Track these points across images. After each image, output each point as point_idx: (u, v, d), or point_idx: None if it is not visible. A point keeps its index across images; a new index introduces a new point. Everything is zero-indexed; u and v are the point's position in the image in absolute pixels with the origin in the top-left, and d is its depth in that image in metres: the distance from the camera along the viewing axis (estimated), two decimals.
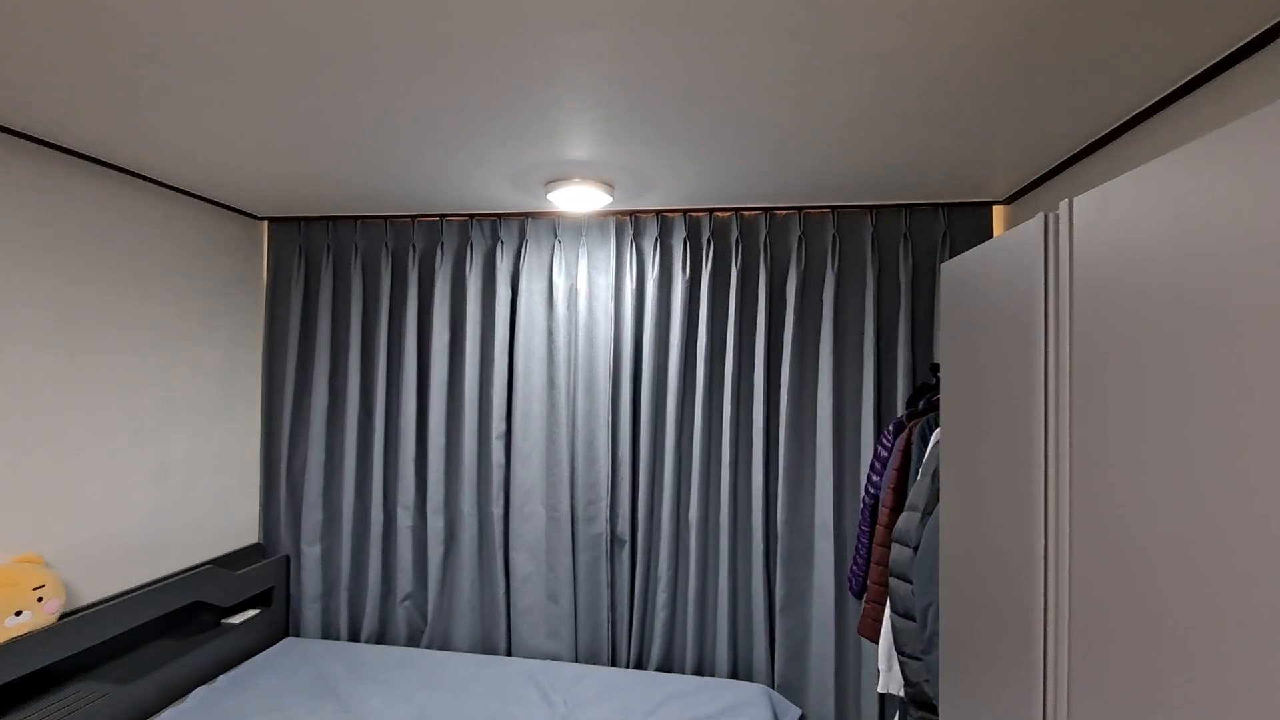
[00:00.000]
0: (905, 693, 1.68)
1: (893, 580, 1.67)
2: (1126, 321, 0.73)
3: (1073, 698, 0.86)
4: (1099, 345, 0.79)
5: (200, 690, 2.27)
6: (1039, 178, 2.10)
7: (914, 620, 1.59)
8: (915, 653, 1.58)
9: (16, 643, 1.79)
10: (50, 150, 1.95)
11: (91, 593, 2.12)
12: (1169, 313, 0.67)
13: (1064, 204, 0.84)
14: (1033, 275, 0.90)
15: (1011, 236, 0.97)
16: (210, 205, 2.61)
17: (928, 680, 1.55)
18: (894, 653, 1.74)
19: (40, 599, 1.87)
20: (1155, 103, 1.51)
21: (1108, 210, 0.76)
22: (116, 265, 2.20)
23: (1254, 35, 1.23)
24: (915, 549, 1.59)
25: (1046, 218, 0.87)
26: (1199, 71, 1.37)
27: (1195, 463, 0.64)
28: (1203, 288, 0.62)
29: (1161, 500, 0.69)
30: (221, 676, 2.38)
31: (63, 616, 1.99)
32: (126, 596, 2.14)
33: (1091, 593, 0.81)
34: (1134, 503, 0.73)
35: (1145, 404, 0.71)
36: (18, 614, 1.81)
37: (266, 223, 2.92)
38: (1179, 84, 1.43)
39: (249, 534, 2.84)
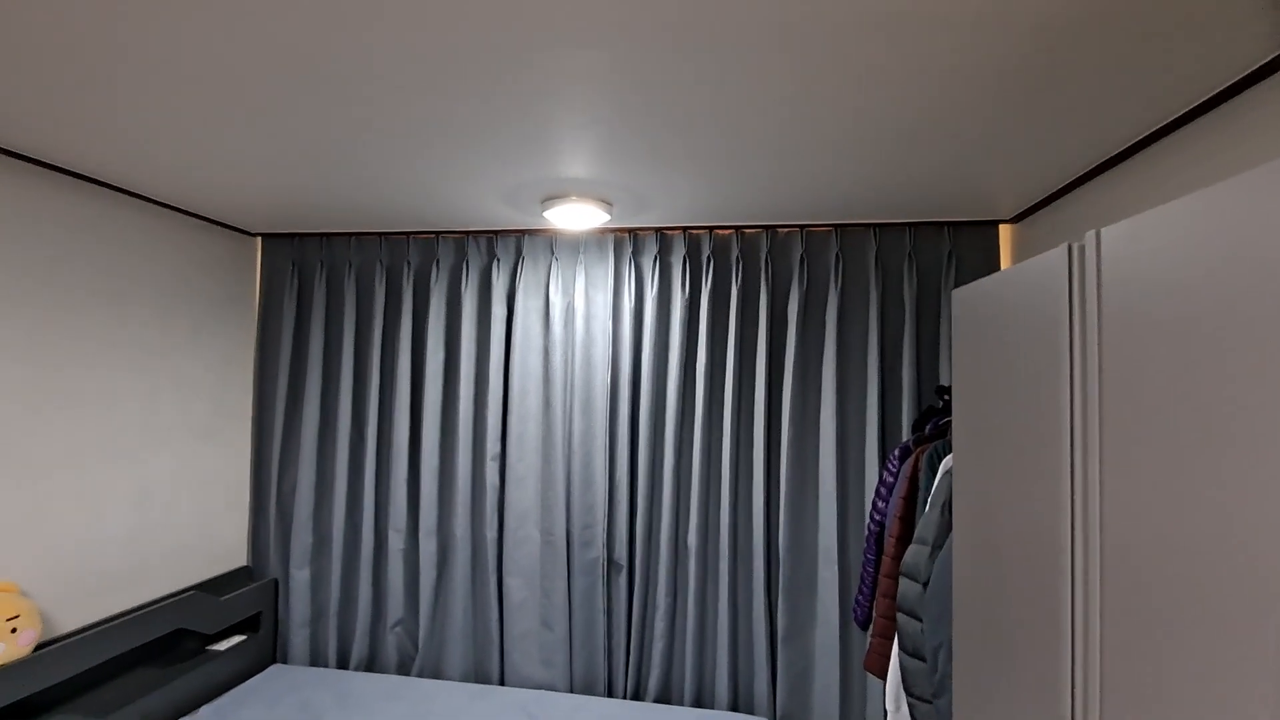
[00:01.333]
0: None
1: (901, 616, 1.60)
2: (1159, 357, 0.68)
3: None
4: (1128, 379, 0.73)
5: None
6: (1047, 197, 2.05)
7: (924, 660, 1.52)
8: (925, 695, 1.51)
9: None
10: (25, 163, 1.90)
11: (69, 621, 2.04)
12: (1205, 349, 0.61)
13: (1090, 235, 0.78)
14: (1057, 306, 0.85)
15: (1033, 266, 0.92)
16: (200, 221, 2.56)
17: None
18: (903, 693, 1.66)
19: (14, 630, 1.79)
20: (1169, 123, 1.47)
21: (1137, 243, 0.70)
22: (96, 282, 2.14)
23: (1270, 57, 1.19)
24: (925, 585, 1.52)
25: (1071, 249, 0.82)
26: (1215, 92, 1.33)
27: (1233, 508, 0.58)
28: (1242, 326, 0.57)
29: (1195, 543, 0.63)
30: (204, 707, 2.29)
31: (39, 647, 1.91)
32: (106, 625, 2.06)
33: (1124, 633, 0.75)
34: (1165, 543, 0.67)
35: (1179, 440, 0.65)
36: None
37: (259, 239, 2.87)
38: (1194, 104, 1.38)
39: (237, 557, 2.77)
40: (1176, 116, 1.44)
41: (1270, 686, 0.56)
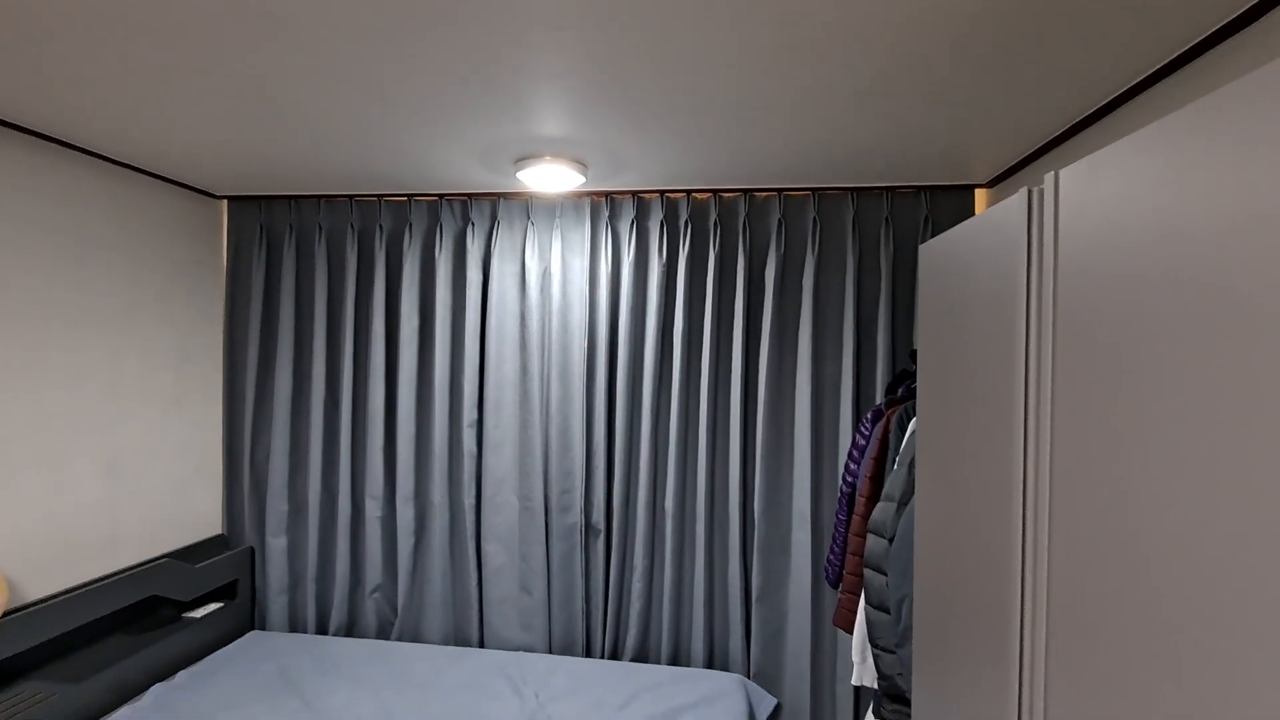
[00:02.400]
0: (879, 685, 1.65)
1: (867, 572, 1.63)
2: (1115, 302, 0.68)
3: (1050, 691, 0.82)
4: (1084, 328, 0.73)
5: (158, 687, 2.19)
6: (1022, 160, 2.05)
7: (888, 613, 1.55)
8: (889, 645, 1.55)
9: None
10: None
11: (38, 589, 2.02)
12: (1163, 292, 0.61)
13: (1049, 177, 0.78)
14: (1015, 254, 0.85)
15: (993, 214, 0.92)
16: (164, 183, 2.48)
17: (901, 674, 1.52)
18: (868, 645, 1.70)
19: None
20: (1141, 80, 1.46)
21: (1096, 182, 0.70)
22: (57, 247, 2.07)
23: (1243, 9, 1.18)
24: (890, 540, 1.55)
25: (1030, 193, 0.82)
26: (1187, 48, 1.32)
27: (1187, 452, 0.59)
28: (1202, 264, 0.57)
29: (1147, 491, 0.64)
30: (181, 673, 2.30)
31: (6, 614, 1.89)
32: (76, 591, 2.05)
33: (1070, 585, 0.77)
34: (1117, 493, 0.68)
35: (1133, 390, 0.66)
36: None
37: (225, 202, 2.79)
38: (1166, 61, 1.38)
39: (211, 526, 2.75)
40: (1152, 72, 1.43)
41: (1217, 641, 0.57)
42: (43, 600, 2.01)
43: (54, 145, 2.04)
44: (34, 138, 1.97)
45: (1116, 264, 0.67)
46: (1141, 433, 0.64)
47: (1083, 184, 0.72)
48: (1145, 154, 0.62)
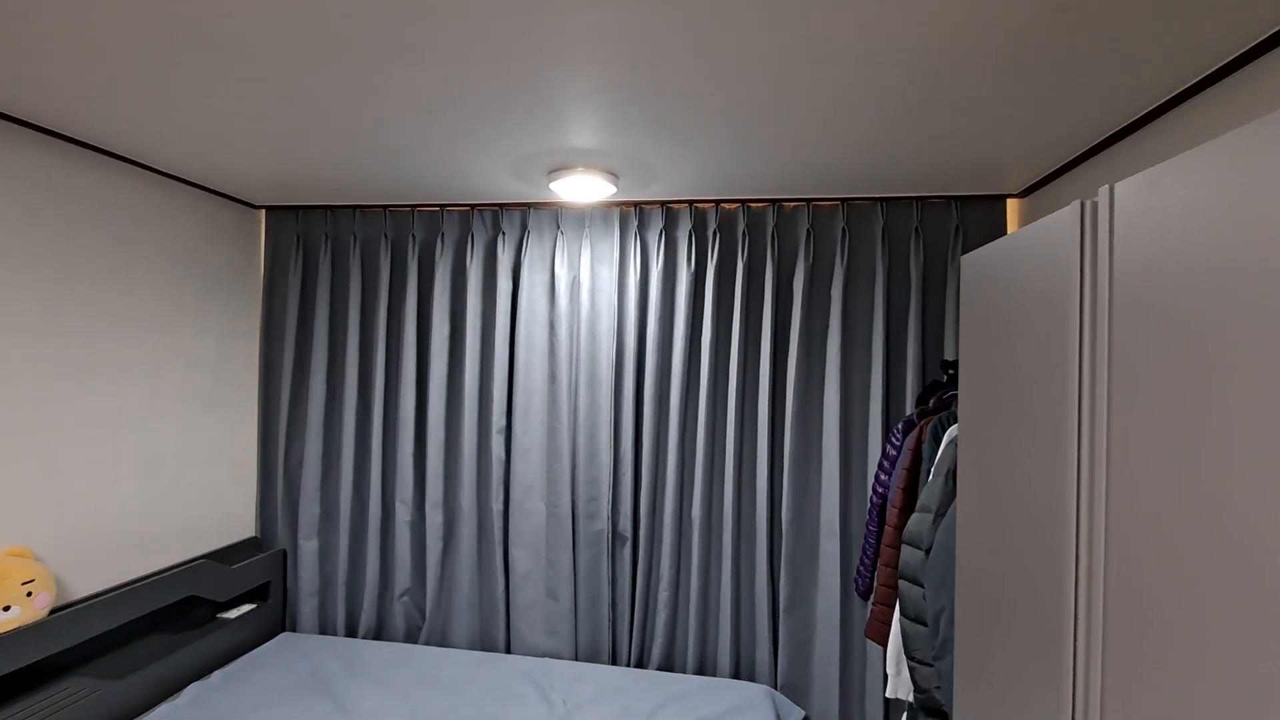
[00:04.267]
0: (915, 699, 1.63)
1: (903, 583, 1.62)
2: (1174, 316, 0.68)
3: (1105, 710, 0.81)
4: (1140, 340, 0.73)
5: (194, 686, 2.23)
6: (1055, 171, 2.04)
7: (925, 625, 1.54)
8: (926, 658, 1.53)
9: (5, 638, 1.75)
10: (36, 133, 1.90)
11: (81, 587, 2.08)
12: (1226, 306, 0.61)
13: (1103, 190, 0.78)
14: (1067, 266, 0.85)
15: (1043, 226, 0.92)
16: (205, 193, 2.55)
17: (938, 687, 1.51)
18: (903, 657, 1.69)
19: (29, 594, 1.82)
20: (1181, 92, 1.45)
21: (1154, 196, 0.70)
22: (105, 253, 2.14)
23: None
24: (927, 552, 1.54)
25: (1084, 205, 0.82)
26: (1230, 59, 1.31)
27: (1249, 468, 0.59)
28: (1261, 277, 0.57)
29: (1207, 504, 0.64)
30: (216, 672, 2.34)
31: (53, 611, 1.94)
32: (118, 591, 2.10)
33: (1128, 598, 0.76)
34: (1176, 505, 0.68)
35: (1192, 399, 0.66)
36: (6, 609, 1.77)
37: (263, 211, 2.86)
38: (1212, 69, 1.37)
39: (245, 528, 2.80)
40: (1193, 82, 1.42)
41: (1274, 661, 0.57)
42: (87, 598, 2.06)
43: (103, 156, 2.11)
44: (84, 149, 2.05)
45: (1176, 277, 0.68)
46: (1204, 448, 0.64)
47: (1141, 197, 0.72)
48: (1209, 168, 0.63)
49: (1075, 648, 0.87)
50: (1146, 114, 1.57)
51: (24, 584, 1.81)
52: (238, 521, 2.76)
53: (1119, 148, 1.73)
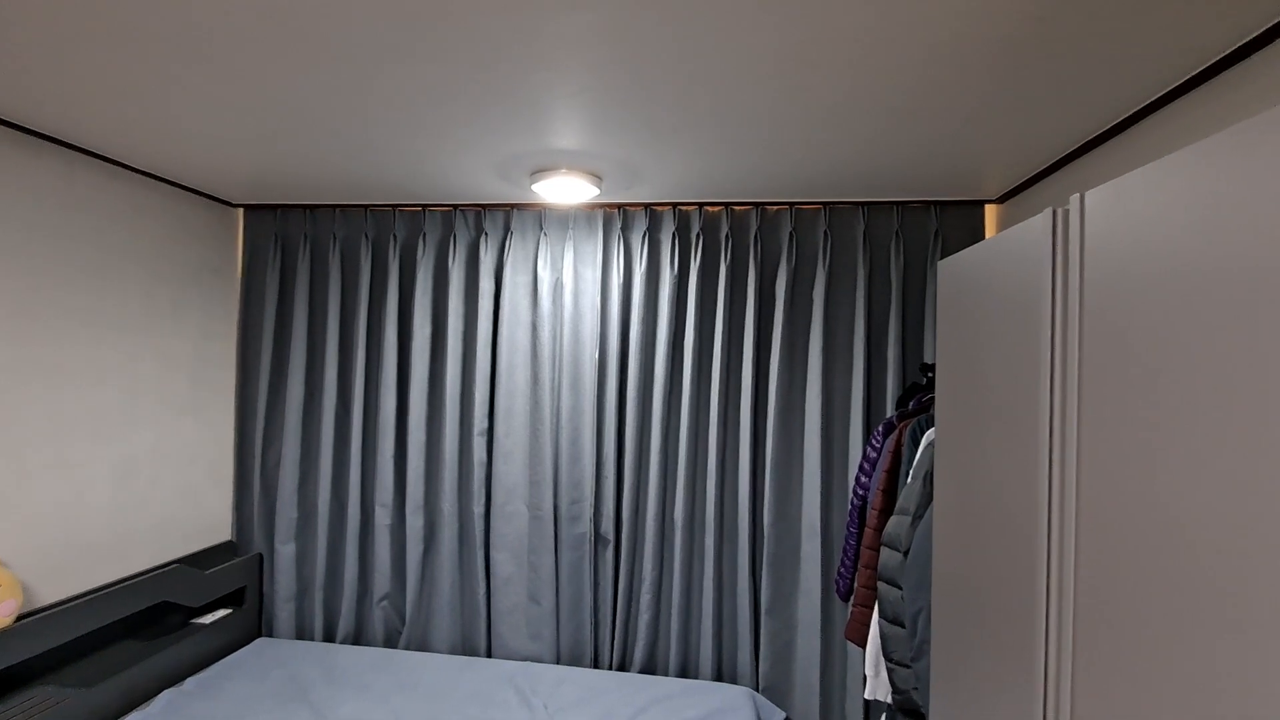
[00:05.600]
0: (893, 700, 1.64)
1: (881, 585, 1.63)
2: (1141, 321, 0.69)
3: (1076, 708, 0.82)
4: (1109, 346, 0.74)
5: (167, 693, 2.19)
6: (1033, 177, 2.07)
7: (903, 626, 1.55)
8: (904, 659, 1.55)
9: None
10: (4, 129, 1.85)
11: (52, 593, 2.03)
12: (1188, 313, 0.63)
13: (1074, 198, 0.79)
14: (1039, 273, 0.86)
15: (1016, 232, 0.93)
16: (181, 191, 2.51)
17: (916, 688, 1.52)
18: (882, 659, 1.70)
19: None
20: (1157, 99, 1.48)
21: (1122, 205, 0.71)
22: (76, 253, 2.10)
23: (1264, 29, 1.20)
24: (905, 553, 1.55)
25: (1055, 213, 0.83)
26: (1205, 66, 1.34)
27: (1213, 467, 0.60)
28: (1226, 286, 0.58)
29: (1175, 505, 0.65)
30: (190, 679, 2.29)
31: (20, 618, 1.90)
32: (89, 597, 2.05)
33: (1098, 599, 0.78)
34: (1146, 510, 0.69)
35: (1159, 405, 0.67)
36: None
37: (241, 210, 2.82)
38: (1183, 79, 1.40)
39: (221, 532, 2.75)
40: (1169, 90, 1.44)
41: (1261, 659, 0.58)
42: (56, 604, 2.01)
43: (76, 153, 2.07)
44: (57, 145, 2.00)
45: (1145, 284, 0.69)
46: (1171, 450, 0.65)
47: (1110, 205, 0.73)
48: (1176, 177, 0.64)
49: (1047, 648, 0.88)
50: (1122, 121, 1.60)
51: None
52: (213, 525, 2.71)
53: (1095, 154, 1.76)
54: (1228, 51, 1.27)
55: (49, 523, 2.02)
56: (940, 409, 1.25)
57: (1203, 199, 0.61)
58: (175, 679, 2.31)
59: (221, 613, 2.58)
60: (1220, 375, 0.59)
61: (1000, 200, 2.36)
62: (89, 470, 2.15)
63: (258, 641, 2.62)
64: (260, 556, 2.75)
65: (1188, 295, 0.63)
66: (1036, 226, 0.87)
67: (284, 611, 2.72)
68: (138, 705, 2.16)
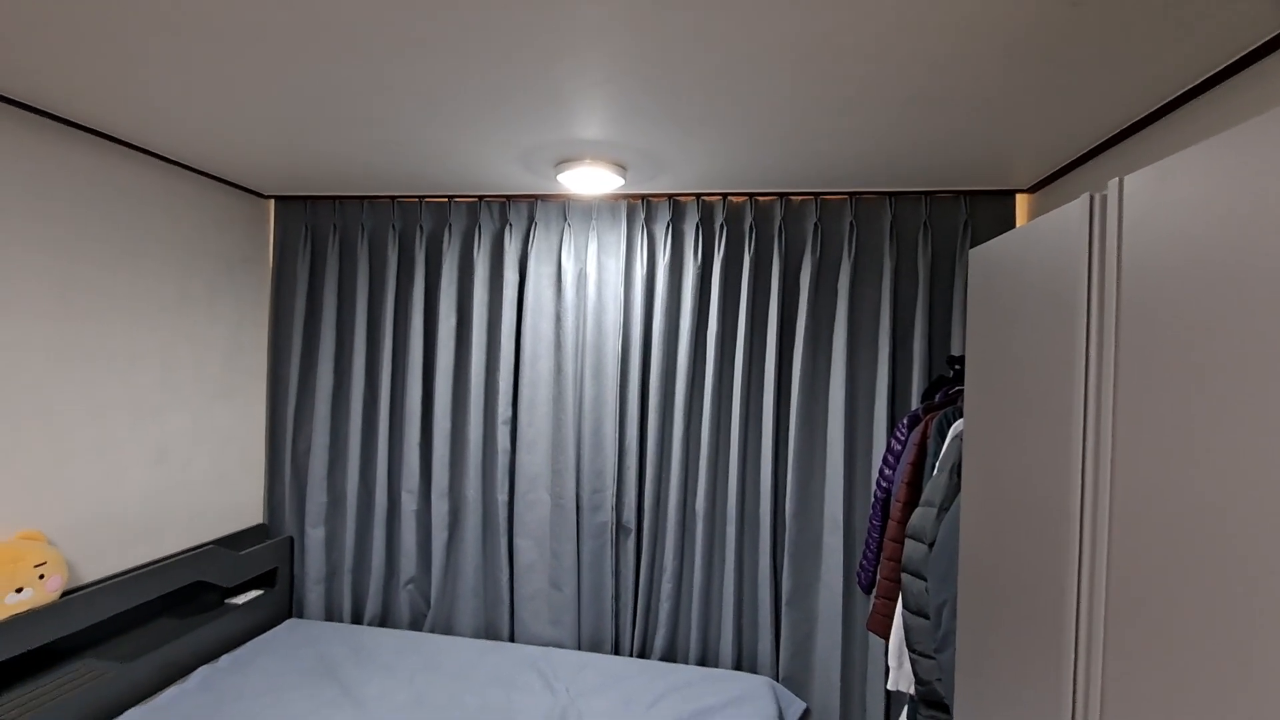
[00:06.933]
0: (916, 691, 1.64)
1: (905, 577, 1.62)
2: (1182, 312, 0.68)
3: (1106, 706, 0.82)
4: (1148, 337, 0.73)
5: (203, 669, 2.26)
6: (1066, 165, 2.03)
7: (927, 618, 1.55)
8: (928, 650, 1.54)
9: (18, 620, 1.77)
10: (49, 120, 1.91)
11: (92, 571, 2.10)
12: (1234, 302, 0.61)
13: (1113, 183, 0.78)
14: (1075, 261, 0.85)
15: (1052, 219, 0.92)
16: (214, 182, 2.57)
17: (940, 679, 1.52)
18: (905, 650, 1.70)
19: (42, 576, 1.85)
20: (1194, 87, 1.44)
21: (1164, 190, 0.70)
22: (115, 240, 2.16)
23: None
24: (930, 545, 1.55)
25: (1092, 199, 0.82)
26: (1247, 51, 1.30)
27: (1255, 463, 0.59)
28: (1275, 275, 0.57)
29: (1211, 502, 0.64)
30: (224, 656, 2.37)
31: (65, 594, 1.97)
32: (128, 575, 2.13)
33: (1130, 594, 0.77)
34: (1181, 503, 0.68)
35: (1200, 398, 0.66)
36: (19, 591, 1.80)
37: (272, 201, 2.87)
38: (1221, 67, 1.36)
39: (253, 515, 2.83)
40: (1205, 77, 1.41)
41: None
42: (97, 582, 2.09)
43: (113, 144, 2.12)
44: (94, 136, 2.06)
45: (1185, 271, 0.67)
46: (1210, 445, 0.64)
47: (1152, 190, 0.72)
48: (1219, 161, 0.63)
49: (1077, 642, 0.88)
50: (1159, 109, 1.56)
51: (36, 566, 1.84)
52: (246, 508, 2.78)
53: (1131, 142, 1.72)
54: (1269, 37, 1.23)
55: (90, 503, 2.09)
56: (969, 399, 1.24)
57: (1250, 183, 0.59)
58: (210, 656, 2.38)
59: (254, 593, 2.65)
60: (1266, 369, 0.58)
61: (1032, 190, 2.31)
62: (127, 451, 2.22)
63: (288, 622, 2.69)
64: (291, 539, 2.82)
65: (1233, 284, 0.62)
66: (1073, 213, 0.86)
67: (313, 593, 2.79)
68: (174, 680, 2.23)
